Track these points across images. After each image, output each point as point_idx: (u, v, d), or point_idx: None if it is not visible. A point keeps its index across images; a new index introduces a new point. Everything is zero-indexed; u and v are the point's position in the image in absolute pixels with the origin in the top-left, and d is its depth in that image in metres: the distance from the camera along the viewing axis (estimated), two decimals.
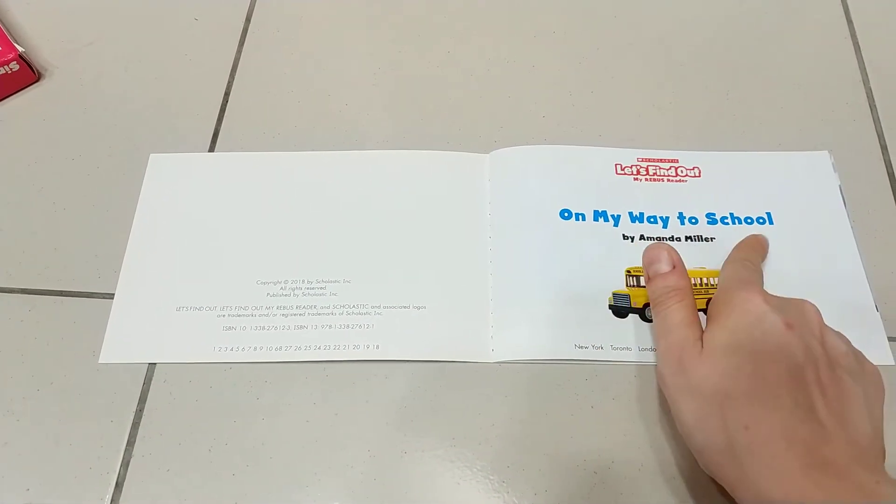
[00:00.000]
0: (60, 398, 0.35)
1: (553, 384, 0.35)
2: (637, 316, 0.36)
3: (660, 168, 0.40)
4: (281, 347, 0.36)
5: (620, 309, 0.36)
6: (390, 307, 0.37)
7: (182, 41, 0.46)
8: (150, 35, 0.46)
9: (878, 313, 0.36)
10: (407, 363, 0.35)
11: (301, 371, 0.35)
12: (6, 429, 0.34)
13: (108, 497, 0.33)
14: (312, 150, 0.42)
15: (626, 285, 0.37)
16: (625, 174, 0.40)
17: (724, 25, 0.46)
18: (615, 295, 0.37)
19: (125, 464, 0.33)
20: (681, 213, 0.39)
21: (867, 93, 0.44)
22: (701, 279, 0.37)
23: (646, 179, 0.40)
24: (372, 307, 0.37)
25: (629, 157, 0.41)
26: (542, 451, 0.33)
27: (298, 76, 0.45)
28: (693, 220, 0.39)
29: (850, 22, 0.46)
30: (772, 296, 0.30)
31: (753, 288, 0.31)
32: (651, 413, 0.34)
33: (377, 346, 0.36)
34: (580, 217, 0.39)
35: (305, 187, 0.40)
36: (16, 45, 0.42)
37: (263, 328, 0.36)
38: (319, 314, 0.36)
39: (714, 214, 0.39)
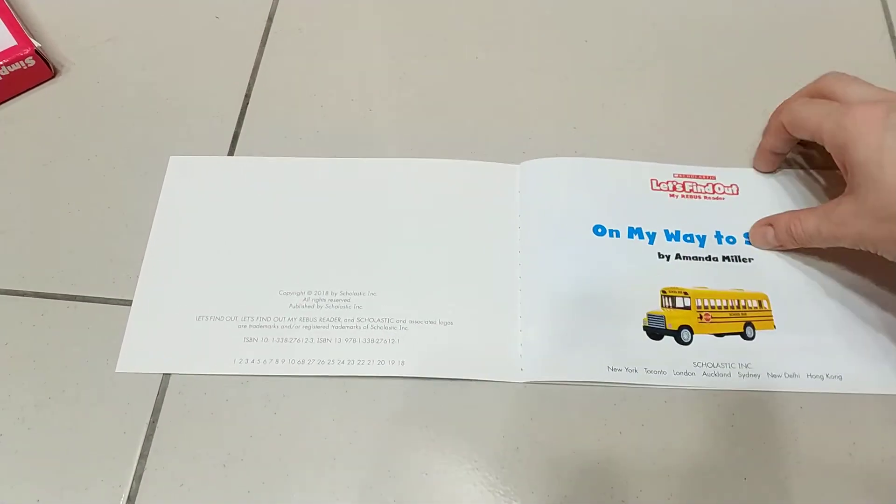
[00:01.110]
0: (72, 407, 0.34)
1: (581, 407, 0.34)
2: (672, 338, 0.35)
3: (697, 184, 0.39)
4: (303, 361, 0.35)
5: (655, 331, 0.35)
6: (416, 322, 0.36)
7: (202, 40, 0.45)
8: (170, 33, 0.45)
9: None
10: (429, 381, 0.35)
11: (320, 386, 0.35)
12: (17, 437, 0.34)
13: None
14: (334, 157, 0.41)
15: (662, 306, 0.36)
16: (661, 190, 0.39)
17: (763, 38, 0.45)
18: (650, 316, 0.36)
19: (137, 477, 0.33)
20: (718, 233, 0.38)
21: None
22: (738, 301, 0.36)
23: (682, 196, 0.39)
24: (397, 322, 0.36)
25: (665, 172, 0.40)
26: (568, 478, 0.33)
27: (321, 79, 0.43)
28: (731, 240, 0.38)
29: (893, 37, 0.45)
30: None
31: None
32: (681, 441, 0.33)
33: (402, 363, 0.35)
34: (614, 233, 0.38)
35: (330, 195, 0.39)
36: (32, 39, 0.41)
37: (285, 340, 0.35)
38: (343, 327, 0.36)
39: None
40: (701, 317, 0.36)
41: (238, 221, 0.39)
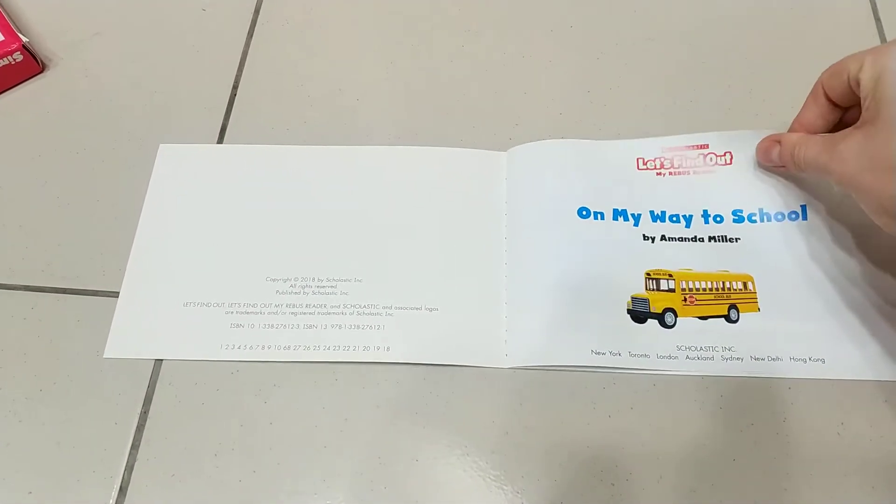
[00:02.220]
0: (63, 399, 0.34)
1: (570, 392, 0.34)
2: (656, 322, 0.35)
3: (686, 158, 0.38)
4: (289, 346, 0.35)
5: (639, 314, 0.35)
6: (402, 308, 0.36)
7: (190, 32, 0.45)
8: (157, 26, 0.45)
9: None
10: (419, 367, 0.35)
11: (310, 374, 0.35)
12: (8, 430, 0.34)
13: (112, 502, 0.32)
14: (323, 145, 0.40)
15: (646, 289, 0.36)
16: (647, 169, 0.38)
17: (747, 19, 0.45)
18: (634, 299, 0.36)
19: (129, 468, 0.33)
20: (705, 212, 0.37)
21: None
22: (723, 283, 0.36)
23: (670, 173, 0.38)
24: (383, 308, 0.36)
25: (653, 148, 0.39)
26: (558, 462, 0.33)
27: (309, 69, 0.43)
28: (718, 219, 0.37)
29: (878, 20, 0.44)
30: None
31: None
32: (669, 424, 0.33)
33: (387, 348, 0.35)
34: (599, 216, 0.37)
35: (317, 183, 0.39)
36: (20, 34, 0.41)
37: (272, 326, 0.35)
38: (329, 313, 0.36)
39: (741, 211, 0.37)
40: (685, 299, 0.36)
41: (225, 209, 0.39)
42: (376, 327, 0.35)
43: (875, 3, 0.45)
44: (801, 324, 0.35)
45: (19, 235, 0.38)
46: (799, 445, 0.33)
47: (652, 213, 0.37)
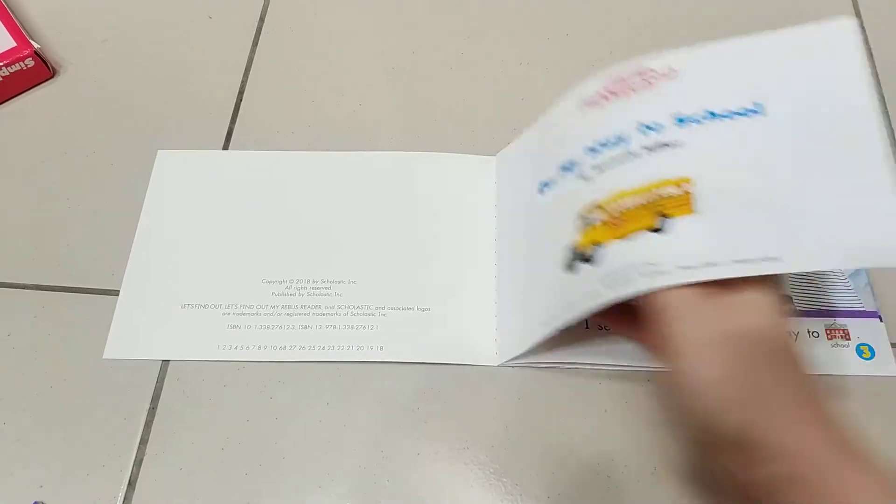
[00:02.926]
0: (73, 395, 0.35)
1: (567, 387, 0.35)
2: (587, 264, 0.31)
3: (626, 83, 0.33)
4: (285, 347, 0.36)
5: (571, 264, 0.31)
6: (395, 308, 0.37)
7: (196, 40, 0.46)
8: (165, 33, 0.46)
9: None
10: (419, 365, 0.36)
11: (314, 372, 0.36)
12: (19, 425, 0.35)
13: (121, 495, 0.33)
14: (326, 150, 0.42)
15: (580, 233, 0.31)
16: (590, 108, 0.33)
17: (742, 27, 0.45)
18: (570, 251, 0.32)
19: (138, 462, 0.34)
20: (641, 124, 0.31)
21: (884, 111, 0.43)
22: (653, 192, 0.29)
23: (609, 102, 0.33)
24: (376, 308, 0.37)
25: (593, 84, 0.34)
26: (555, 455, 0.33)
27: (312, 76, 0.45)
28: (655, 128, 0.31)
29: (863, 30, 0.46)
30: None
31: None
32: (664, 417, 0.34)
33: (381, 348, 0.36)
34: (552, 184, 0.34)
35: (311, 187, 0.40)
36: (31, 41, 0.42)
37: (268, 327, 0.36)
38: (324, 314, 0.37)
39: (683, 115, 0.31)
40: (611, 225, 0.30)
41: (222, 212, 0.40)
42: (370, 327, 0.36)
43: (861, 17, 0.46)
44: (746, 219, 0.28)
45: (30, 236, 0.39)
46: None
47: (590, 149, 0.32)
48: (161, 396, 0.35)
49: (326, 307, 0.37)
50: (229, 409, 0.35)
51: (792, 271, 0.28)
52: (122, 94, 0.44)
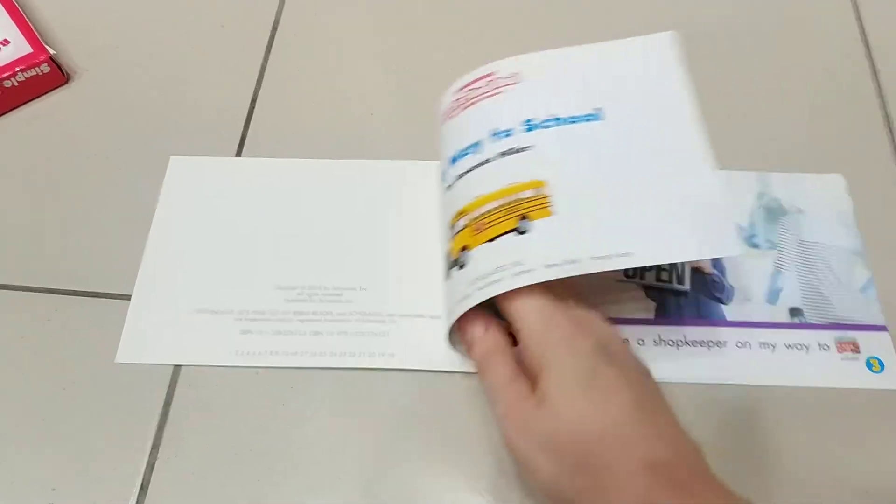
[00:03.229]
0: (86, 399, 0.35)
1: None
2: (459, 268, 0.32)
3: (473, 90, 0.36)
4: (297, 353, 0.36)
5: (448, 273, 0.33)
6: (405, 315, 0.37)
7: (210, 49, 0.46)
8: (179, 42, 0.47)
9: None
10: (429, 373, 0.36)
11: (326, 378, 0.36)
12: (32, 429, 0.35)
13: (133, 499, 0.33)
14: (339, 158, 0.42)
15: (449, 241, 0.33)
16: (446, 118, 0.37)
17: (734, 36, 0.46)
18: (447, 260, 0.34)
19: (150, 466, 0.34)
20: (492, 131, 0.34)
21: (884, 115, 0.44)
22: (511, 196, 0.32)
23: (461, 111, 0.36)
24: (387, 315, 0.37)
25: (447, 96, 0.37)
26: None
27: (325, 83, 0.45)
28: (505, 133, 0.33)
29: (866, 43, 0.47)
30: None
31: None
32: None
33: (392, 355, 0.36)
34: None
35: (323, 194, 0.41)
36: (47, 47, 0.43)
37: (280, 333, 0.37)
38: (335, 321, 0.37)
39: (531, 121, 0.34)
40: (476, 229, 0.32)
41: (234, 218, 0.40)
42: (381, 334, 0.36)
43: (862, 26, 0.47)
44: (601, 219, 0.31)
45: (44, 240, 0.40)
46: None
47: (451, 158, 0.35)
48: (173, 401, 0.35)
49: (338, 313, 0.37)
50: (241, 414, 0.35)
51: (644, 264, 0.31)
52: (136, 100, 0.44)
